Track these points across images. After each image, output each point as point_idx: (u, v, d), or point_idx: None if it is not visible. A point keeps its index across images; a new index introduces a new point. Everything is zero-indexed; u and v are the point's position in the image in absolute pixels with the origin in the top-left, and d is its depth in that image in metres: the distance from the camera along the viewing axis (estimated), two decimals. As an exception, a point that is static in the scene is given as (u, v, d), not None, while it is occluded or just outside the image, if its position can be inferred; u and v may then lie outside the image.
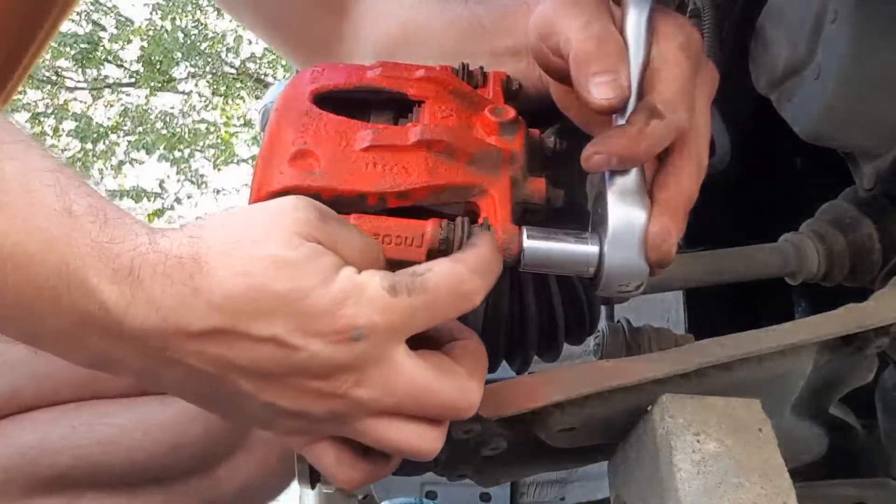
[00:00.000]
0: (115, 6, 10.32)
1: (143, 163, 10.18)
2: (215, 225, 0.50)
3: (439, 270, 0.51)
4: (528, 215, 0.58)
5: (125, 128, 10.38)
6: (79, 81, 10.50)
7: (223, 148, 10.54)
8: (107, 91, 10.61)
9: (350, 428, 0.53)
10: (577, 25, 0.56)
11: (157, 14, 10.37)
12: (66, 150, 10.03)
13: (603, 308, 0.70)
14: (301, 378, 0.50)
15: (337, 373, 0.50)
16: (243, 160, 10.37)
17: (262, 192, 0.54)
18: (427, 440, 0.53)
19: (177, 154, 10.26)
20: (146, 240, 0.48)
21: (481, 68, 0.66)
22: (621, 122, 0.55)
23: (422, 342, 0.54)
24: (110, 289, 0.47)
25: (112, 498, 0.84)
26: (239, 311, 0.48)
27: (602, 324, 0.67)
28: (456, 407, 0.53)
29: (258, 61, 10.56)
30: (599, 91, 0.54)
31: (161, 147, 10.03)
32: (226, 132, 10.57)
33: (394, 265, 0.53)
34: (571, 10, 0.57)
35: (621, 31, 0.56)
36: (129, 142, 10.16)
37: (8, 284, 0.46)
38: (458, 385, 0.52)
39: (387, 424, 0.52)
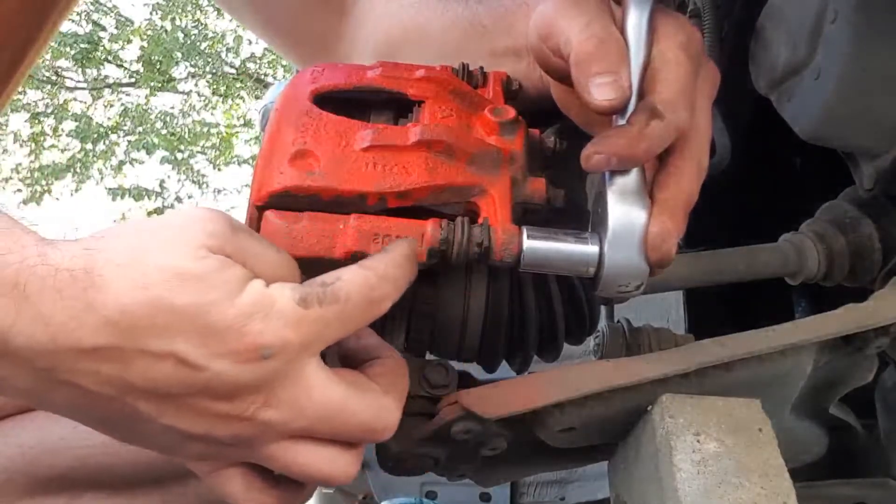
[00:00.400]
0: (115, 6, 10.32)
1: (143, 163, 10.18)
2: (114, 236, 0.47)
3: (349, 279, 0.49)
4: (528, 215, 0.58)
5: (125, 128, 10.38)
6: (79, 81, 10.50)
7: (223, 147, 10.54)
8: (107, 91, 10.61)
9: (258, 453, 0.50)
10: (578, 26, 0.56)
11: (156, 14, 10.37)
12: (66, 150, 10.03)
13: (603, 308, 0.70)
14: (203, 399, 0.46)
15: (243, 394, 0.46)
16: (244, 160, 10.37)
17: (263, 192, 0.54)
18: (339, 465, 0.50)
19: (178, 156, 10.26)
20: (34, 251, 0.45)
21: (481, 68, 0.66)
22: (621, 122, 0.55)
23: (340, 361, 0.52)
24: None
25: (111, 498, 0.84)
26: (136, 326, 0.44)
27: (602, 324, 0.67)
28: (371, 427, 0.50)
29: (258, 61, 10.56)
30: (600, 92, 0.54)
31: (161, 147, 10.03)
32: (227, 131, 10.57)
33: None
34: (572, 11, 0.57)
35: (622, 31, 0.56)
36: (130, 142, 10.16)
37: None
38: (374, 404, 0.50)
39: (297, 449, 0.49)
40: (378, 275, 0.50)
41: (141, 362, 0.45)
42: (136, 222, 0.49)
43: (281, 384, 0.47)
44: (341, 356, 0.55)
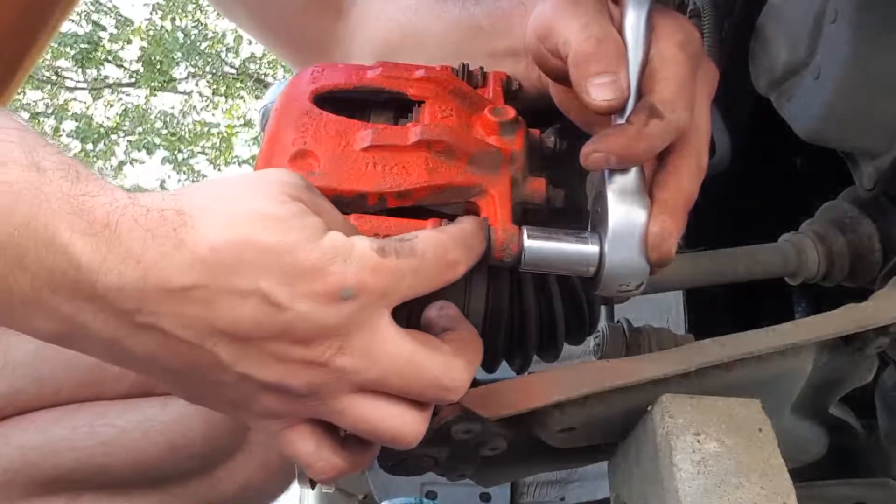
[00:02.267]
0: (115, 6, 10.32)
1: (143, 163, 10.19)
2: (200, 185, 0.49)
3: (425, 237, 0.51)
4: (528, 215, 0.58)
5: (125, 128, 10.38)
6: (79, 81, 10.50)
7: (224, 148, 10.54)
8: (107, 91, 10.61)
9: (329, 406, 0.50)
10: (576, 26, 0.56)
11: (157, 14, 10.37)
12: (66, 150, 10.03)
13: (603, 308, 0.71)
14: (283, 343, 0.47)
15: (320, 337, 0.47)
16: (244, 161, 10.37)
17: (262, 192, 0.54)
18: (409, 424, 0.51)
19: (179, 157, 10.26)
20: (124, 195, 0.46)
21: (481, 68, 0.66)
22: (621, 121, 0.55)
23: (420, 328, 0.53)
24: (84, 243, 0.44)
25: (110, 499, 0.84)
26: (223, 263, 0.45)
27: (602, 324, 0.67)
28: (440, 384, 0.50)
29: (258, 61, 10.56)
30: (599, 92, 0.54)
31: (162, 147, 10.03)
32: (228, 131, 10.57)
33: None
34: (570, 11, 0.57)
35: (620, 30, 0.56)
36: (130, 142, 10.16)
37: None
38: (443, 361, 0.51)
39: (368, 402, 0.50)
40: (453, 239, 0.51)
41: (226, 301, 0.46)
42: (216, 179, 0.50)
43: (357, 331, 0.48)
44: (423, 324, 0.55)
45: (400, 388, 0.50)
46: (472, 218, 0.54)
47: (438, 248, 0.50)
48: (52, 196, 0.44)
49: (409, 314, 0.55)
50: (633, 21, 0.56)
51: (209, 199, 0.47)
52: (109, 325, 0.46)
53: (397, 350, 0.49)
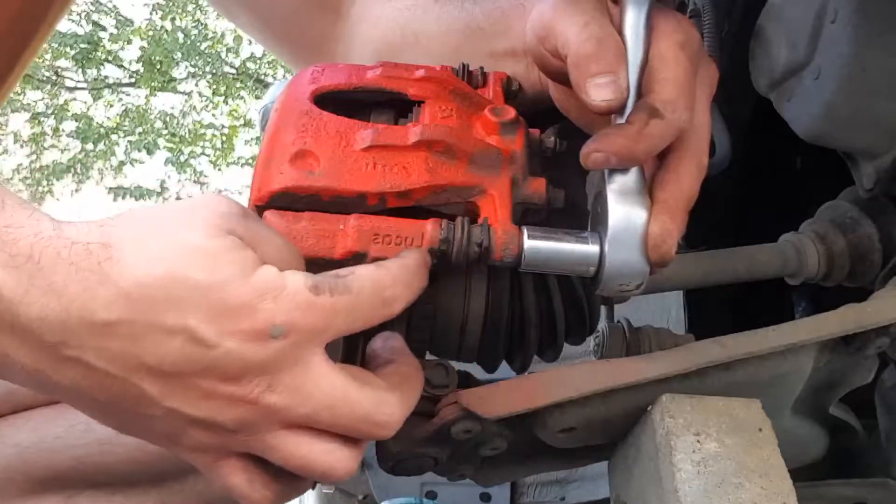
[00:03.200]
0: (115, 6, 10.31)
1: (143, 163, 10.18)
2: (129, 216, 0.48)
3: (363, 274, 0.50)
4: (527, 215, 0.58)
5: (125, 128, 10.38)
6: (79, 82, 10.49)
7: (225, 148, 10.54)
8: (107, 91, 10.61)
9: (259, 442, 0.49)
10: (576, 27, 0.56)
11: (157, 14, 10.36)
12: (66, 150, 10.03)
13: (603, 308, 0.70)
14: (210, 379, 0.46)
15: (249, 374, 0.47)
16: (245, 161, 10.37)
17: (263, 192, 0.54)
18: (340, 460, 0.50)
19: (181, 158, 10.26)
20: (49, 226, 0.45)
21: (481, 68, 0.66)
22: (621, 121, 0.55)
23: (364, 360, 0.53)
24: (6, 274, 0.43)
25: (108, 497, 0.84)
26: (150, 298, 0.45)
27: (602, 324, 0.67)
28: (372, 419, 0.50)
29: (258, 61, 10.55)
30: (598, 92, 0.54)
31: (162, 148, 10.04)
32: (230, 131, 10.57)
33: None
34: (569, 12, 0.57)
35: (620, 30, 0.56)
36: (130, 142, 10.16)
37: None
38: (375, 396, 0.50)
39: (298, 440, 0.49)
40: (392, 275, 0.50)
41: (152, 337, 0.45)
42: (151, 207, 0.49)
43: (287, 368, 0.47)
44: (367, 354, 0.55)
45: (331, 424, 0.49)
46: (415, 252, 0.53)
47: (376, 286, 0.50)
48: None
49: (351, 343, 0.55)
50: (633, 21, 0.56)
51: (138, 230, 0.46)
52: (32, 357, 0.45)
53: (328, 386, 0.49)
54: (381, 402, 0.50)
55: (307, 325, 0.47)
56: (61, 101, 10.43)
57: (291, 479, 0.53)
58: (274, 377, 0.47)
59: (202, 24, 10.43)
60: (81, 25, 9.90)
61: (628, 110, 0.55)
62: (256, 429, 0.49)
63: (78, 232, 0.46)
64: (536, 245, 0.55)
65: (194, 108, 10.84)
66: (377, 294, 0.50)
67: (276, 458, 0.50)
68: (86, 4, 9.78)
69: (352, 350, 0.56)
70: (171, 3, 10.26)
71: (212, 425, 0.48)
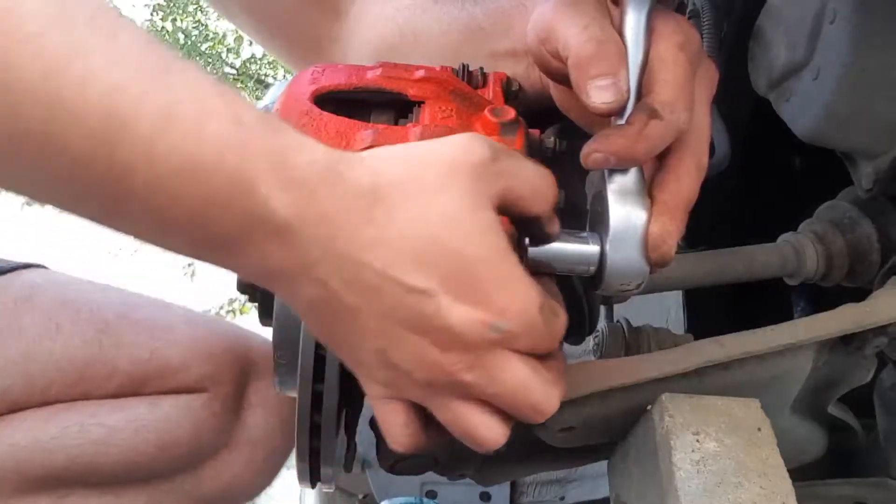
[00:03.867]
0: (115, 7, 10.31)
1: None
2: (396, 162, 0.50)
3: (563, 319, 0.53)
4: (527, 215, 0.58)
5: (125, 128, 10.35)
6: (79, 82, 10.47)
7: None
8: (107, 91, 10.59)
9: (436, 400, 0.53)
10: (576, 28, 0.56)
11: (157, 15, 10.36)
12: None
13: (602, 308, 0.71)
14: (424, 340, 0.49)
15: (457, 350, 0.49)
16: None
17: (263, 193, 0.54)
18: (498, 434, 0.54)
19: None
20: (323, 156, 0.48)
21: (481, 69, 0.66)
22: (621, 122, 0.55)
23: None
24: (281, 196, 0.46)
25: (99, 496, 0.84)
26: (406, 253, 0.48)
27: (601, 324, 0.67)
28: (538, 408, 0.53)
29: (259, 62, 10.55)
30: (599, 94, 0.54)
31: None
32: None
33: None
34: (570, 13, 0.57)
35: (620, 32, 0.56)
36: (130, 142, 10.14)
37: (182, 192, 0.45)
38: (546, 390, 0.53)
39: (471, 410, 0.52)
40: (564, 325, 0.54)
41: (393, 288, 0.48)
42: (413, 151, 0.51)
43: (489, 356, 0.50)
44: None
45: (506, 405, 0.53)
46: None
47: (560, 332, 0.53)
48: (254, 149, 0.46)
49: None
50: (633, 22, 0.56)
51: (407, 182, 0.49)
52: (291, 270, 0.48)
53: (516, 377, 0.51)
54: (549, 395, 0.53)
55: (520, 333, 0.50)
56: (61, 102, 10.40)
57: (438, 432, 0.55)
58: (476, 360, 0.50)
59: (203, 24, 10.43)
60: (82, 26, 9.88)
61: (628, 111, 0.55)
62: (440, 391, 0.52)
63: (350, 169, 0.48)
64: (537, 245, 0.55)
65: (194, 108, 10.81)
66: (558, 338, 0.53)
67: (445, 417, 0.53)
68: (86, 5, 9.76)
69: None
70: (171, 4, 10.26)
71: (405, 373, 0.51)
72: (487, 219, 0.49)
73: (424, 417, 0.55)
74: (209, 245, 0.48)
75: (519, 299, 0.50)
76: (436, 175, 0.49)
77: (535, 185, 0.52)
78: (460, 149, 0.50)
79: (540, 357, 0.54)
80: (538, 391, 0.53)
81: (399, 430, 0.55)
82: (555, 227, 0.54)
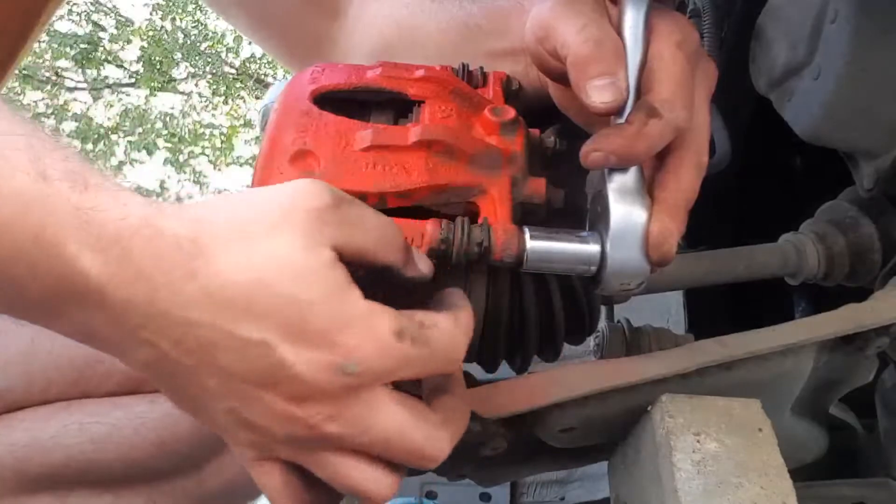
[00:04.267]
0: (115, 7, 10.32)
1: (143, 163, 10.19)
2: (220, 209, 0.48)
3: (443, 329, 0.49)
4: (527, 215, 0.58)
5: (125, 128, 10.38)
6: (79, 82, 10.49)
7: (225, 148, 10.54)
8: (107, 91, 10.61)
9: (308, 457, 0.50)
10: (575, 28, 0.56)
11: (157, 14, 10.36)
12: (75, 154, 10.01)
13: (603, 308, 0.70)
14: (275, 396, 0.46)
15: (314, 401, 0.47)
16: (245, 161, 10.37)
17: (263, 193, 0.54)
18: (382, 486, 0.50)
19: (181, 158, 10.27)
20: (138, 211, 0.45)
21: (481, 68, 0.66)
22: (620, 121, 0.55)
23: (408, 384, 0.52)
24: (92, 257, 0.43)
25: (99, 495, 0.84)
26: (234, 304, 0.44)
27: (602, 324, 0.67)
28: (422, 455, 0.50)
29: (258, 62, 10.55)
30: (598, 94, 0.54)
31: (162, 148, 10.05)
32: (230, 131, 10.57)
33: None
34: (568, 13, 0.57)
35: (618, 31, 0.56)
36: (130, 142, 10.17)
37: None
38: (429, 433, 0.50)
39: (347, 463, 0.49)
40: (465, 335, 0.50)
41: (229, 343, 0.45)
42: (241, 196, 0.49)
43: (352, 402, 0.47)
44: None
45: (383, 453, 0.50)
46: (466, 303, 0.53)
47: (450, 345, 0.49)
48: (58, 208, 0.44)
49: None
50: (632, 21, 0.56)
51: (230, 231, 0.46)
52: (114, 334, 0.46)
53: (387, 421, 0.48)
54: (434, 439, 0.50)
55: (381, 368, 0.47)
56: (61, 102, 10.43)
57: (325, 490, 0.52)
58: (337, 409, 0.47)
59: (202, 24, 10.43)
60: (81, 25, 9.90)
61: (628, 110, 0.55)
62: (307, 447, 0.49)
63: (167, 221, 0.45)
64: (537, 245, 0.55)
65: (194, 108, 10.84)
66: (450, 353, 0.50)
67: (322, 474, 0.50)
68: (86, 4, 9.79)
69: None
70: (171, 4, 10.26)
71: (265, 433, 0.48)
72: (321, 257, 0.46)
73: (303, 477, 0.52)
74: (28, 308, 0.46)
75: (364, 334, 0.46)
76: (266, 219, 0.46)
77: (379, 235, 0.49)
78: (298, 193, 0.47)
79: (435, 390, 0.51)
80: (418, 437, 0.49)
81: (277, 494, 0.52)
82: (416, 270, 0.51)
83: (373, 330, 0.46)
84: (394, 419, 0.49)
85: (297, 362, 0.45)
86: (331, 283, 0.46)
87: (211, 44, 10.48)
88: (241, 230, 0.46)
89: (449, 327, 0.50)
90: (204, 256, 0.45)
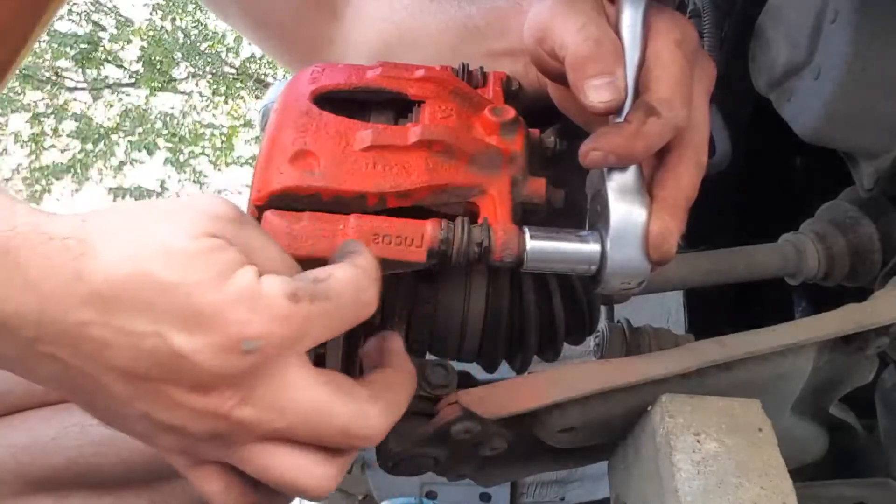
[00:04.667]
0: (115, 6, 10.32)
1: (143, 163, 10.19)
2: (114, 210, 0.46)
3: (341, 277, 0.47)
4: (527, 215, 0.58)
5: (125, 128, 10.38)
6: (79, 82, 10.50)
7: (225, 148, 10.54)
8: (107, 91, 10.61)
9: (233, 453, 0.47)
10: (573, 27, 0.56)
11: (157, 14, 10.37)
12: (66, 150, 10.03)
13: (603, 308, 0.70)
14: (179, 389, 0.44)
15: (220, 387, 0.44)
16: (245, 161, 10.37)
17: (263, 192, 0.54)
18: (319, 476, 0.48)
19: (181, 158, 10.27)
20: (26, 220, 0.44)
21: (481, 68, 0.66)
22: (619, 120, 0.55)
23: (349, 365, 0.51)
24: None
25: (100, 498, 0.84)
26: (119, 299, 0.43)
27: (602, 324, 0.67)
28: (350, 432, 0.47)
29: (258, 61, 10.55)
30: (596, 94, 0.54)
31: (162, 148, 10.05)
32: (230, 131, 10.57)
33: (393, 265, 0.53)
34: (566, 13, 0.57)
35: (616, 30, 0.56)
36: (130, 142, 10.17)
37: None
38: (355, 408, 0.47)
39: (274, 453, 0.47)
40: (368, 275, 0.48)
41: (121, 340, 0.43)
42: (141, 202, 0.47)
43: (261, 381, 0.45)
44: (361, 355, 0.53)
45: (307, 436, 0.47)
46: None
47: (355, 289, 0.47)
48: None
49: (352, 340, 0.55)
50: (630, 20, 0.56)
51: (117, 226, 0.44)
52: (14, 350, 0.44)
53: (305, 399, 0.46)
54: (361, 415, 0.48)
55: (283, 337, 0.44)
56: (61, 101, 10.43)
57: (271, 490, 0.50)
58: (247, 391, 0.45)
59: (202, 24, 10.43)
60: (81, 25, 9.90)
61: (626, 109, 0.55)
62: (229, 441, 0.47)
63: (57, 226, 0.44)
64: (537, 245, 0.55)
65: (194, 108, 10.84)
66: (356, 297, 0.47)
67: (250, 470, 0.48)
68: (86, 4, 9.79)
69: (353, 347, 0.56)
70: (171, 4, 10.26)
71: (183, 433, 0.46)
72: (206, 243, 0.44)
73: (245, 477, 0.49)
74: None
75: (254, 306, 0.43)
76: (156, 211, 0.45)
77: (280, 264, 0.48)
78: (200, 197, 0.47)
79: (371, 367, 0.49)
80: (341, 413, 0.46)
81: (222, 498, 0.49)
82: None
83: (263, 299, 0.44)
84: (312, 396, 0.46)
85: (194, 349, 0.43)
86: (217, 263, 0.44)
87: (211, 44, 10.49)
88: (129, 221, 0.45)
89: (347, 274, 0.47)
90: (88, 254, 0.43)
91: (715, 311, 1.04)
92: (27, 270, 0.42)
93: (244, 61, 10.65)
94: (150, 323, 0.43)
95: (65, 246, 0.43)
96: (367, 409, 0.48)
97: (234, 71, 10.70)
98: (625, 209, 0.54)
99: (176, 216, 0.45)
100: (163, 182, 10.23)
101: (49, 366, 0.45)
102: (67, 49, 9.76)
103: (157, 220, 0.45)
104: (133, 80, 10.57)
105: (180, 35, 10.30)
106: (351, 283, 0.47)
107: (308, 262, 0.52)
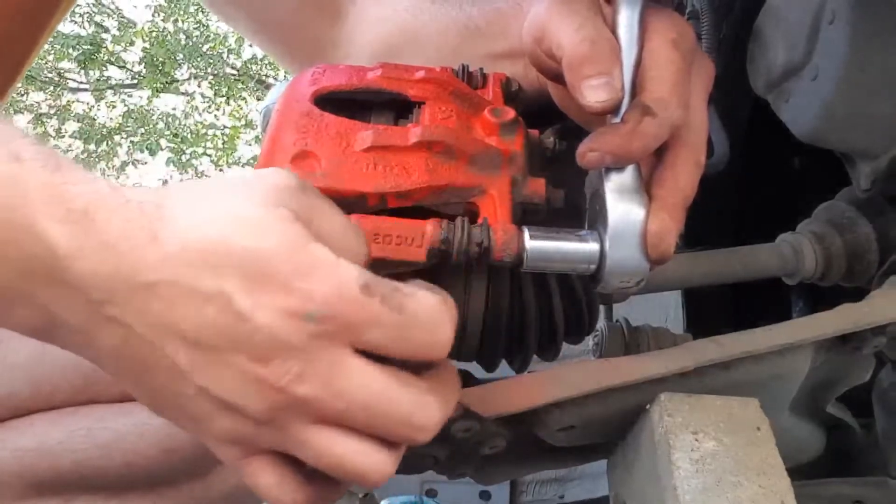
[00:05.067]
0: (117, 8, 10.33)
1: (145, 164, 10.20)
2: (187, 183, 0.48)
3: (424, 298, 0.47)
4: (527, 215, 0.58)
5: (128, 129, 10.39)
6: (81, 83, 10.51)
7: (227, 148, 10.54)
8: (109, 92, 10.62)
9: (291, 436, 0.47)
10: (570, 28, 0.56)
11: (159, 16, 10.38)
12: (68, 151, 10.04)
13: (602, 307, 0.71)
14: (241, 356, 0.44)
15: (280, 356, 0.44)
16: (247, 161, 10.37)
17: (264, 193, 0.55)
18: (376, 463, 0.47)
19: (183, 159, 10.28)
20: (106, 185, 0.45)
21: (481, 69, 0.66)
22: (616, 120, 0.55)
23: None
24: (60, 230, 0.43)
25: (105, 501, 0.84)
26: (192, 261, 0.44)
27: (601, 323, 0.67)
28: (411, 421, 0.47)
29: (260, 63, 10.56)
30: (593, 94, 0.54)
31: (165, 149, 10.05)
32: (231, 132, 10.57)
33: (393, 265, 0.54)
34: (564, 13, 0.57)
35: (613, 30, 0.57)
36: (132, 143, 10.17)
37: None
38: (416, 398, 0.47)
39: (332, 436, 0.46)
40: (451, 316, 0.47)
41: (190, 302, 0.44)
42: (215, 176, 0.49)
43: (319, 358, 0.45)
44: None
45: (367, 424, 0.46)
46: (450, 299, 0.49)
47: (430, 322, 0.46)
48: (30, 185, 0.44)
49: None
50: (626, 20, 0.57)
51: (193, 195, 0.46)
52: (78, 315, 0.45)
53: (365, 383, 0.46)
54: (423, 404, 0.47)
55: (348, 321, 0.44)
56: (64, 102, 10.44)
57: (326, 482, 0.49)
58: (306, 365, 0.45)
59: (204, 25, 10.44)
60: (84, 27, 9.91)
61: (624, 109, 0.55)
62: (286, 421, 0.46)
63: (136, 192, 0.46)
64: (537, 244, 0.55)
65: (196, 108, 10.85)
66: (430, 329, 0.46)
67: (308, 455, 0.47)
68: (88, 6, 9.80)
69: None
70: (173, 5, 10.27)
71: (241, 412, 0.46)
72: (280, 213, 0.45)
73: (300, 470, 0.48)
74: None
75: (327, 280, 0.44)
76: (228, 185, 0.47)
77: (341, 234, 0.48)
78: (264, 171, 0.48)
79: (418, 366, 0.48)
80: (404, 400, 0.46)
81: (275, 493, 0.48)
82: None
83: (337, 277, 0.44)
84: (373, 381, 0.46)
85: (256, 312, 0.44)
86: (291, 234, 0.45)
87: (213, 45, 10.49)
88: (204, 193, 0.46)
89: (431, 302, 0.47)
90: (166, 218, 0.45)
91: (713, 310, 1.04)
92: (104, 230, 0.44)
93: (246, 62, 10.65)
94: (217, 283, 0.44)
95: (141, 209, 0.45)
96: (428, 400, 0.47)
97: (235, 72, 10.70)
98: (623, 209, 0.55)
99: (245, 189, 0.46)
100: (165, 182, 10.22)
101: (112, 333, 0.45)
102: (70, 50, 9.77)
103: (229, 190, 0.47)
104: (135, 82, 10.58)
105: (182, 36, 10.31)
106: (431, 314, 0.47)
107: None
